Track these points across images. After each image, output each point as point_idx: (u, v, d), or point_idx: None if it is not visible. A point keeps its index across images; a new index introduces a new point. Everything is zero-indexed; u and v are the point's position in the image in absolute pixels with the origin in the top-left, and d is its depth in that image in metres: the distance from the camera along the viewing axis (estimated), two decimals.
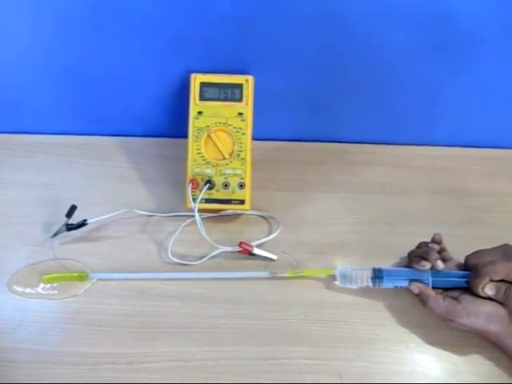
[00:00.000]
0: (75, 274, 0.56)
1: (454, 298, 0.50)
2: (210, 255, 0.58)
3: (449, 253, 0.56)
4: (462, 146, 0.70)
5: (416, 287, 0.52)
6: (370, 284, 0.54)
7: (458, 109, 0.66)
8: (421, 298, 0.51)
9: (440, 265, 0.52)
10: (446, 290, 0.52)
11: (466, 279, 0.51)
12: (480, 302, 0.49)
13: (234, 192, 0.60)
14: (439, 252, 0.54)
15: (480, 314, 0.49)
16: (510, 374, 0.50)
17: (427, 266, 0.52)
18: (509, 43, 0.58)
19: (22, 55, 0.60)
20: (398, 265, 0.57)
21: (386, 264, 0.57)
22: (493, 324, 0.48)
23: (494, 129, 0.69)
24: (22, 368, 0.51)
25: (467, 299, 0.50)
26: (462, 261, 0.55)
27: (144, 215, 0.61)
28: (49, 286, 0.56)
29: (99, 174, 0.66)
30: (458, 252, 0.55)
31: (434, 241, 0.55)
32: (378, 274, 0.53)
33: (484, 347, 0.51)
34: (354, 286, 0.55)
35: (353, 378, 0.50)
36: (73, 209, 0.58)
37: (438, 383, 0.50)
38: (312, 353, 0.52)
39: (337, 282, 0.55)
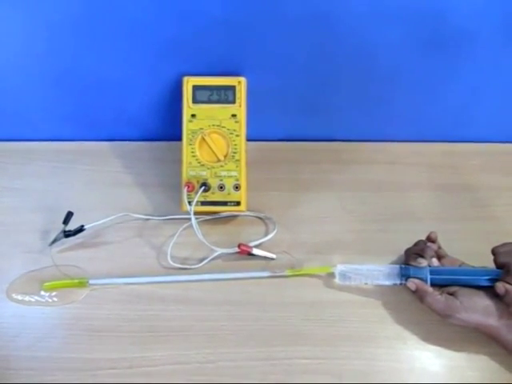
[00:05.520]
0: (76, 281, 0.56)
1: (451, 294, 0.50)
2: (209, 258, 0.58)
3: (444, 250, 0.56)
4: (458, 142, 0.70)
5: (413, 283, 0.52)
6: (398, 281, 0.53)
7: (453, 105, 0.66)
8: (418, 295, 0.52)
9: (435, 262, 0.53)
10: (442, 286, 0.52)
11: (490, 277, 0.51)
12: (477, 296, 0.50)
13: (229, 194, 0.60)
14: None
15: (478, 309, 0.49)
16: (509, 369, 0.50)
17: (424, 263, 0.52)
18: (503, 39, 0.57)
19: (14, 62, 0.60)
20: (395, 262, 0.57)
21: (383, 262, 0.57)
22: (491, 318, 0.48)
23: (489, 124, 0.69)
24: (23, 375, 0.51)
25: (464, 294, 0.50)
26: (459, 257, 0.55)
27: (141, 219, 0.61)
28: (48, 293, 0.56)
29: (94, 179, 0.66)
30: (457, 248, 0.56)
31: (429, 239, 0.56)
32: (405, 272, 0.53)
33: (482, 342, 0.51)
34: (353, 284, 0.55)
35: (353, 377, 0.51)
36: (69, 215, 0.59)
37: (437, 383, 0.51)
38: (312, 352, 0.52)
39: (336, 280, 0.55)
